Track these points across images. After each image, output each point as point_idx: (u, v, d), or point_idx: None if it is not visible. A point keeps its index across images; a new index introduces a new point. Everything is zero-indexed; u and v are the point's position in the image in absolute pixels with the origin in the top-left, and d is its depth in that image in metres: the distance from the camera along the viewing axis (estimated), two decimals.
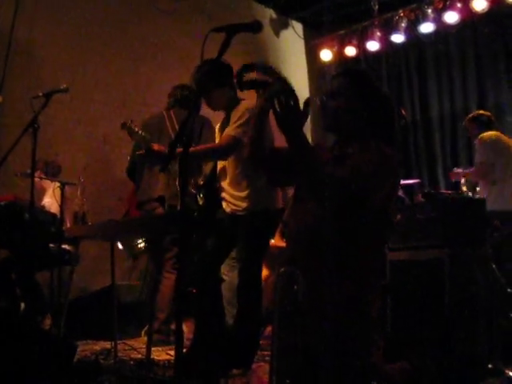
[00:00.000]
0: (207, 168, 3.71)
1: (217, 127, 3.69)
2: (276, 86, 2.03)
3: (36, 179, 4.61)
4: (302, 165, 2.04)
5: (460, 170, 5.21)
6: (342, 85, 2.27)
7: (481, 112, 5.27)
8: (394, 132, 2.28)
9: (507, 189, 4.81)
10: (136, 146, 4.19)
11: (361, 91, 2.24)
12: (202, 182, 3.62)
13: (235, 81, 2.09)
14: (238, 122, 3.35)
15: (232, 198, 3.45)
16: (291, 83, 2.06)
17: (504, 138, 5.00)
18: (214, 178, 3.60)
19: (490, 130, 4.99)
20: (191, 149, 3.29)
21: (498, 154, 4.85)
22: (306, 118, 2.02)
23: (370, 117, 2.21)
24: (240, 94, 3.29)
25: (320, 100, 2.27)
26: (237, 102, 3.48)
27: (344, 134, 2.26)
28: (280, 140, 2.20)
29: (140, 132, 3.52)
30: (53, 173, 4.90)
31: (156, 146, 3.44)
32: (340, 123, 2.25)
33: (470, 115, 5.28)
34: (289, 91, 2.01)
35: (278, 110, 1.99)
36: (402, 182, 5.30)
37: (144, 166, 4.39)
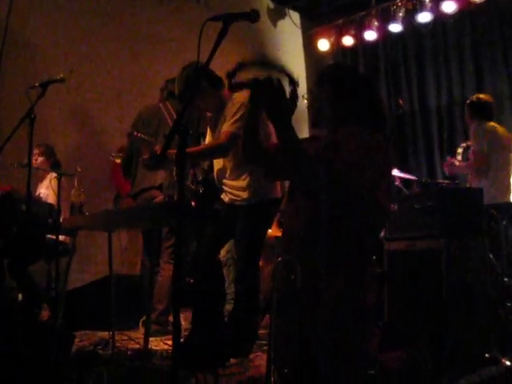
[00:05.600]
0: (205, 162, 3.71)
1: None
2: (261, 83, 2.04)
3: (36, 164, 4.63)
4: (290, 153, 2.05)
5: (454, 161, 5.12)
6: (315, 82, 2.34)
7: (478, 96, 5.11)
8: (380, 116, 2.29)
9: (499, 181, 4.77)
10: (132, 144, 4.23)
11: (331, 83, 2.27)
12: (200, 178, 3.62)
13: (226, 83, 2.10)
14: (234, 118, 3.32)
15: (232, 188, 3.46)
16: (289, 71, 2.07)
17: (499, 129, 4.92)
18: (212, 172, 3.60)
19: (485, 118, 4.90)
20: (192, 149, 3.33)
21: (492, 146, 4.78)
22: (294, 108, 2.04)
23: (350, 106, 2.24)
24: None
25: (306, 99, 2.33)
26: (227, 97, 3.45)
27: (331, 127, 2.28)
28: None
29: (147, 138, 3.53)
30: (53, 163, 4.90)
31: (159, 149, 3.41)
32: (320, 117, 2.29)
33: (468, 100, 5.18)
34: (273, 84, 2.02)
35: (266, 99, 2.01)
36: (400, 175, 5.26)
37: (139, 159, 4.39)
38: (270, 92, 2.02)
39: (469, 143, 5.08)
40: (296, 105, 2.05)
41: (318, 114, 2.31)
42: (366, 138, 2.12)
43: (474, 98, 5.12)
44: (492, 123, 4.90)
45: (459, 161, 5.07)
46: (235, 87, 2.11)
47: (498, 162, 4.77)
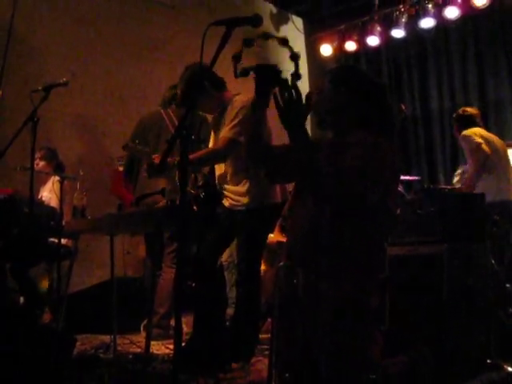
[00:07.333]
0: (205, 168, 3.71)
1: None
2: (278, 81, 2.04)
3: (38, 168, 4.63)
4: (300, 160, 2.05)
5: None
6: (323, 82, 2.33)
7: (463, 109, 5.12)
8: (389, 123, 2.29)
9: (494, 180, 4.79)
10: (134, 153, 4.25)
11: (340, 86, 2.27)
12: (201, 183, 3.62)
13: (233, 65, 2.10)
14: (233, 123, 3.33)
15: (232, 193, 3.46)
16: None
17: (485, 134, 4.92)
18: (213, 178, 3.60)
19: (471, 127, 4.90)
20: (191, 155, 3.32)
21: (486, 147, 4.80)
22: (308, 112, 2.04)
23: (357, 110, 2.23)
24: (236, 85, 3.25)
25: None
26: (227, 99, 3.47)
27: (339, 130, 2.28)
28: (278, 138, 2.22)
29: (142, 148, 3.54)
30: (56, 165, 4.90)
31: (157, 159, 3.43)
32: (329, 119, 2.29)
33: (454, 114, 5.17)
34: (292, 86, 2.02)
35: (281, 104, 2.00)
36: (402, 177, 5.28)
37: (140, 164, 4.40)
38: (276, 77, 2.02)
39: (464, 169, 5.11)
40: (309, 108, 2.06)
41: (328, 115, 2.29)
42: (375, 144, 2.11)
43: (460, 111, 5.13)
44: (477, 128, 4.90)
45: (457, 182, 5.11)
46: (241, 74, 2.10)
47: (497, 162, 4.81)
